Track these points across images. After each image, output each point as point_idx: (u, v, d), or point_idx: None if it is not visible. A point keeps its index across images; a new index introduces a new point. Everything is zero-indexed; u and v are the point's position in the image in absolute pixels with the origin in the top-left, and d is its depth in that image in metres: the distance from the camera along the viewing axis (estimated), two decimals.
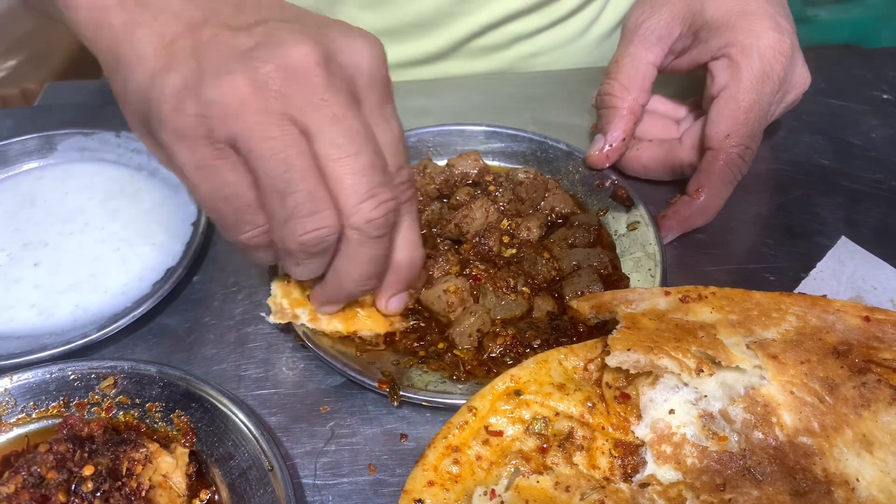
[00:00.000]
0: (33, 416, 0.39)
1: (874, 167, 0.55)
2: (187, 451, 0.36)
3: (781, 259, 0.48)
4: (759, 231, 0.51)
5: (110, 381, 0.39)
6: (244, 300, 0.46)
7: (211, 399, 0.38)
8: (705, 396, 0.38)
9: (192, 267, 0.46)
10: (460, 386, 0.41)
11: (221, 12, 0.36)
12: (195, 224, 0.47)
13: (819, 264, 0.46)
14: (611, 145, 0.52)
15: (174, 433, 0.38)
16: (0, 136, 0.52)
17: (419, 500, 0.35)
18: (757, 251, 0.49)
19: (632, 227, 0.49)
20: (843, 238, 0.47)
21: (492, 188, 0.51)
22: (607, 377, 0.38)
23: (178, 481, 0.35)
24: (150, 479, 0.35)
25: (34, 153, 0.51)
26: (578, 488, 0.35)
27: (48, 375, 0.39)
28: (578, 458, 0.36)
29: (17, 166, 0.51)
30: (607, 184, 0.51)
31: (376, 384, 0.40)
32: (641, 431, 0.37)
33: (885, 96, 0.62)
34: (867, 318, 0.40)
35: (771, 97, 0.49)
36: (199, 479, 0.37)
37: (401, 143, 0.38)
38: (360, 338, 0.43)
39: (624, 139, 0.52)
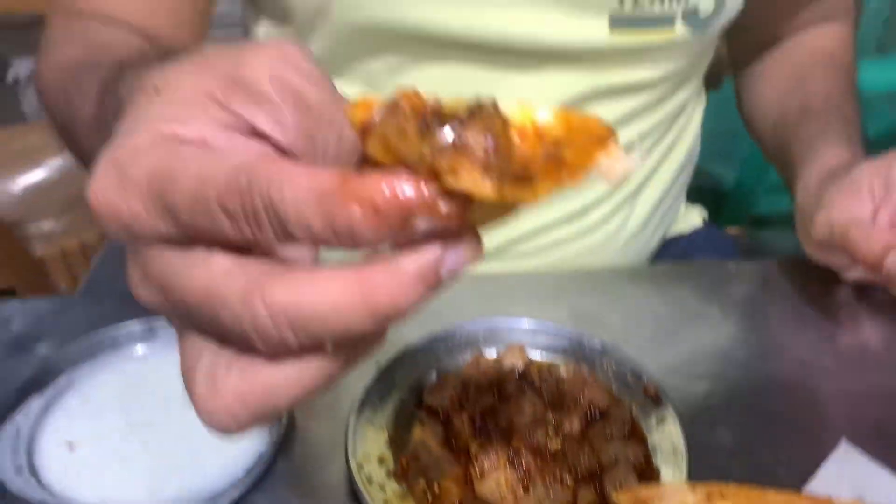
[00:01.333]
0: None
1: (873, 368, 0.63)
2: None
3: (791, 455, 0.54)
4: (770, 427, 0.57)
5: None
6: (329, 479, 0.53)
7: None
8: None
9: (278, 451, 0.53)
10: None
11: None
12: None
13: (823, 465, 0.52)
14: None
15: None
16: (108, 321, 0.60)
17: None
18: (769, 446, 0.55)
19: (660, 421, 0.56)
20: (843, 440, 0.54)
21: (537, 383, 0.58)
22: None
23: None
24: None
25: (139, 339, 0.59)
26: None
27: None
28: None
29: (126, 350, 0.59)
30: (639, 380, 0.58)
31: None
32: None
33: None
34: None
35: None
36: None
37: None
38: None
39: None
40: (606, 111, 0.68)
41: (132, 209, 0.24)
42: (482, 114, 0.22)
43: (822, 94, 0.76)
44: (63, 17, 0.63)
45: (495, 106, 0.22)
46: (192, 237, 0.24)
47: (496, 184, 0.21)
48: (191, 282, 0.24)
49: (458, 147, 0.21)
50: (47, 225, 1.37)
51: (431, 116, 0.22)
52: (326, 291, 0.22)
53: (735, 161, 1.51)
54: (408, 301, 0.23)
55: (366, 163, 0.24)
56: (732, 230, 1.50)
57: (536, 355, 0.61)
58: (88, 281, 1.00)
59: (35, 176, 1.51)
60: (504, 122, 0.22)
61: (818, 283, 0.70)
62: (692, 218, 0.90)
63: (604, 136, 0.23)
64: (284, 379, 0.24)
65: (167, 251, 0.25)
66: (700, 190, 0.94)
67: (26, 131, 1.66)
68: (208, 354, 0.25)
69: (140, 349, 0.59)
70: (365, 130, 0.23)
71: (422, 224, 0.22)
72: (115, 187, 0.24)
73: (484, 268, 0.74)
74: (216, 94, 0.26)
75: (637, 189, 0.75)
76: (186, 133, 0.25)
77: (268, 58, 0.26)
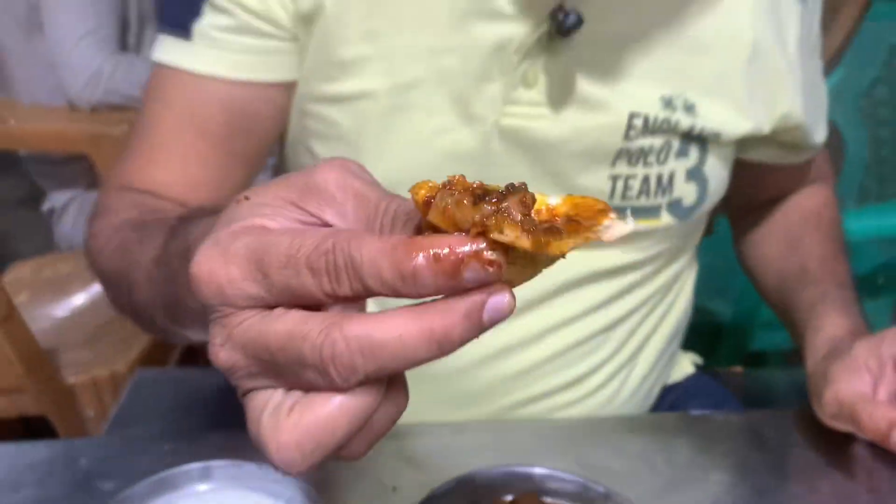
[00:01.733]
0: None
1: None
2: None
3: None
4: None
5: None
6: None
7: None
8: None
9: None
10: None
11: None
12: None
13: None
14: None
15: None
16: (167, 464, 0.68)
17: None
18: None
19: None
20: None
21: None
22: None
23: None
24: None
25: (196, 479, 0.67)
26: None
27: None
28: None
29: (186, 489, 0.66)
30: None
31: None
32: None
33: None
34: None
35: None
36: None
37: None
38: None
39: None
40: (603, 289, 0.78)
41: (230, 274, 0.30)
42: (516, 190, 0.29)
43: (816, 257, 0.87)
44: (115, 190, 0.73)
45: (525, 186, 0.29)
46: (276, 298, 0.30)
47: (532, 236, 0.28)
48: (275, 329, 0.30)
49: (502, 211, 0.28)
50: (78, 354, 1.44)
51: (480, 191, 0.29)
52: (393, 324, 0.28)
53: (730, 296, 1.58)
54: (457, 333, 0.28)
55: (419, 234, 0.30)
56: (735, 369, 1.55)
57: (548, 500, 0.69)
58: (118, 410, 1.08)
59: (67, 305, 1.60)
60: (533, 197, 0.29)
61: (803, 435, 0.78)
62: (684, 366, 0.98)
63: (602, 209, 0.30)
64: (339, 410, 0.29)
65: (252, 312, 0.31)
66: (697, 326, 1.01)
67: (57, 260, 1.76)
68: (272, 403, 0.31)
69: (200, 487, 0.66)
70: (426, 204, 0.29)
71: (470, 274, 0.28)
72: (217, 257, 0.31)
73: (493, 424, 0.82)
74: (294, 199, 0.32)
75: (632, 355, 0.84)
76: (273, 225, 0.32)
77: (333, 169, 0.33)
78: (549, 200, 0.30)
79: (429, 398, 0.80)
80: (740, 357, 1.60)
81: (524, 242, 0.28)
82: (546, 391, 0.80)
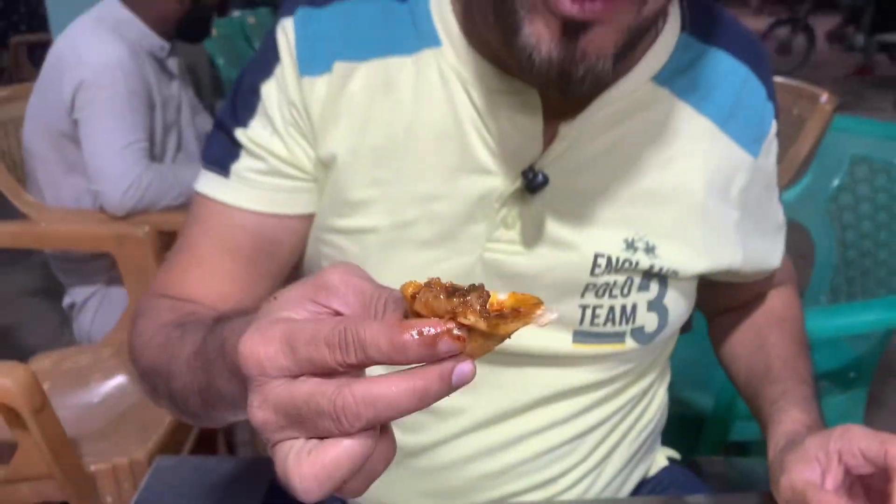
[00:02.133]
0: None
1: None
2: None
3: None
4: None
5: None
6: None
7: None
8: None
9: None
10: None
11: None
12: None
13: None
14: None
15: None
16: None
17: None
18: None
19: None
20: None
21: None
22: None
23: None
24: None
25: None
26: None
27: None
28: None
29: None
30: None
31: None
32: None
33: None
34: None
35: None
36: None
37: None
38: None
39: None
40: (571, 405, 0.86)
41: (268, 352, 0.40)
42: (476, 288, 0.39)
43: (780, 357, 0.95)
44: (155, 296, 0.85)
45: (482, 286, 0.39)
46: (301, 369, 0.40)
47: (487, 321, 0.38)
48: (300, 389, 0.39)
49: (466, 302, 0.38)
50: (98, 442, 1.51)
51: (451, 289, 0.39)
52: (386, 383, 0.38)
53: (710, 388, 1.65)
54: (433, 390, 0.38)
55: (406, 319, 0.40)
56: (717, 459, 1.60)
57: None
58: (140, 495, 1.16)
59: (87, 396, 1.68)
60: (488, 294, 0.39)
61: None
62: (659, 461, 1.05)
63: (536, 303, 0.40)
64: (346, 451, 0.38)
65: (282, 381, 0.40)
66: (678, 418, 1.08)
67: (76, 353, 1.85)
68: (295, 448, 0.39)
69: None
70: (412, 297, 0.39)
71: (443, 346, 0.38)
72: (258, 340, 0.40)
73: None
74: (309, 296, 0.43)
75: (601, 460, 0.91)
76: (296, 316, 0.42)
77: (336, 270, 0.43)
78: (499, 296, 0.40)
79: (417, 491, 0.90)
80: (721, 447, 1.66)
81: (482, 325, 0.38)
82: (520, 490, 0.88)
